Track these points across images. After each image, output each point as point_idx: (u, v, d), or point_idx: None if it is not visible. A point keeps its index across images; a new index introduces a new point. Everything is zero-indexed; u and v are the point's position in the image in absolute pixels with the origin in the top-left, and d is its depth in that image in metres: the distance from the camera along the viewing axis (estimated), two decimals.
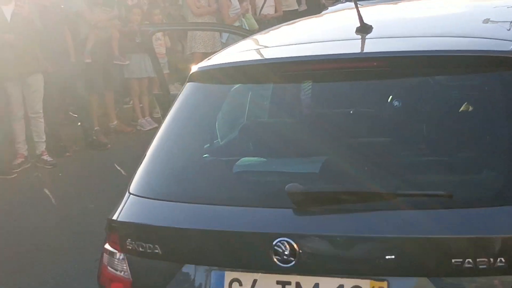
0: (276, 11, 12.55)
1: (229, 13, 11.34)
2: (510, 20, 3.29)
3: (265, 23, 10.93)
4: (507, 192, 2.59)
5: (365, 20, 3.15)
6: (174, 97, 3.43)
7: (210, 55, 3.43)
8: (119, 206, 3.10)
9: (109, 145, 9.81)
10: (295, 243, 2.63)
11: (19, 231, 6.82)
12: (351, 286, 2.62)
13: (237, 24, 11.39)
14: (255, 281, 2.73)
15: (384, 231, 2.62)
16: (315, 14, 5.62)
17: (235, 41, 3.66)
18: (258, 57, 3.35)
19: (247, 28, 11.34)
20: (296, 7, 13.27)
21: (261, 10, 12.45)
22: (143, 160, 3.18)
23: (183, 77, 12.05)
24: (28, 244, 6.53)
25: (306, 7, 13.19)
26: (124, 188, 7.07)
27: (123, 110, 11.30)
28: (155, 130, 10.05)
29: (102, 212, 7.01)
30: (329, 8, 10.70)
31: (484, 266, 2.48)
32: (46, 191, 7.94)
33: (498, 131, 2.74)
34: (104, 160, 9.29)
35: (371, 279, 2.60)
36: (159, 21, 10.64)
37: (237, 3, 11.53)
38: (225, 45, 10.38)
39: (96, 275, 5.53)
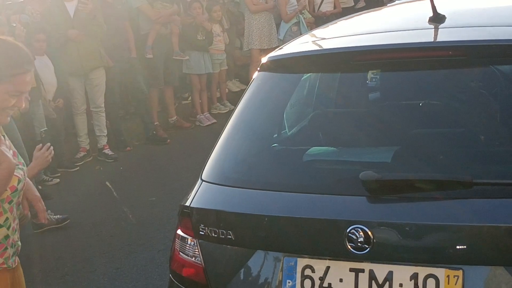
0: (335, 7, 12.51)
1: (286, 9, 11.35)
2: None
3: (324, 20, 10.88)
4: None
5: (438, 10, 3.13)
6: None
7: (267, 52, 3.43)
8: (191, 193, 3.13)
9: (168, 140, 9.91)
10: (370, 230, 2.62)
11: (82, 223, 6.94)
12: (425, 274, 2.60)
13: (294, 20, 11.40)
14: (328, 268, 2.73)
15: (460, 219, 2.59)
16: None
17: (292, 38, 3.66)
18: (329, 46, 3.35)
19: (305, 25, 11.34)
20: (352, 3, 13.20)
21: (319, 7, 12.42)
22: (215, 147, 3.21)
23: (241, 74, 12.16)
24: (90, 236, 6.64)
25: (364, 4, 13.09)
26: (184, 181, 7.14)
27: (181, 106, 11.39)
28: (214, 125, 10.08)
29: (163, 204, 7.16)
30: (387, 4, 10.63)
31: None
32: (108, 184, 8.06)
33: None
34: (163, 154, 9.39)
35: (446, 267, 2.58)
36: (219, 18, 10.69)
37: None
38: (282, 41, 10.39)
39: (160, 265, 5.64)
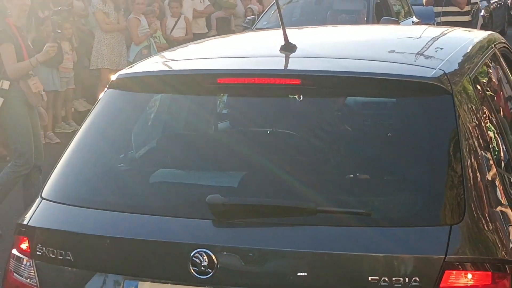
0: (186, 33, 12.53)
1: (138, 32, 11.26)
2: (430, 48, 3.41)
3: (176, 45, 10.87)
4: (423, 214, 2.65)
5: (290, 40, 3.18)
6: None
7: (116, 72, 3.38)
8: (29, 211, 2.99)
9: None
10: (214, 254, 2.60)
11: None
12: None
13: (145, 44, 11.33)
14: None
15: (302, 246, 2.62)
16: None
17: (142, 60, 3.61)
18: (180, 67, 3.33)
19: (155, 49, 11.28)
20: (206, 30, 13.30)
21: (171, 32, 12.41)
22: (57, 165, 3.09)
23: (88, 93, 11.87)
24: None
25: (216, 32, 13.22)
26: (21, 200, 6.83)
27: None
28: (57, 145, 9.67)
29: None
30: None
31: (400, 285, 2.50)
32: None
33: (418, 154, 2.80)
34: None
35: None
36: (69, 35, 10.45)
37: (146, 22, 11.47)
38: (131, 63, 10.28)
39: None
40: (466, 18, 11.74)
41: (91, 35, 11.47)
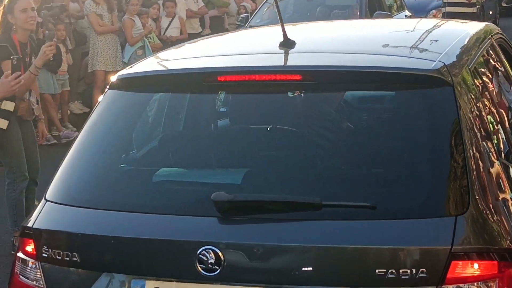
0: (181, 33, 12.52)
1: (132, 32, 11.26)
2: (427, 41, 3.42)
3: (170, 45, 10.86)
4: (428, 205, 2.65)
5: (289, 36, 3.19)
6: None
7: (111, 74, 3.36)
8: (34, 213, 2.99)
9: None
10: (220, 251, 2.60)
11: None
12: None
13: (139, 44, 11.33)
14: None
15: (308, 240, 2.62)
16: None
17: (137, 61, 3.61)
18: (180, 66, 3.33)
19: (150, 50, 11.27)
20: (200, 30, 13.31)
21: (165, 31, 12.40)
22: (60, 166, 3.09)
23: (83, 95, 11.83)
24: None
25: (210, 31, 13.24)
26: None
27: None
28: (55, 146, 9.55)
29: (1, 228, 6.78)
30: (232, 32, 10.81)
31: (407, 277, 2.51)
32: None
33: (421, 146, 2.81)
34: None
35: None
36: (62, 37, 10.43)
37: (140, 23, 11.46)
38: (127, 64, 10.27)
39: None
40: (471, 10, 11.64)
41: (85, 38, 11.45)
